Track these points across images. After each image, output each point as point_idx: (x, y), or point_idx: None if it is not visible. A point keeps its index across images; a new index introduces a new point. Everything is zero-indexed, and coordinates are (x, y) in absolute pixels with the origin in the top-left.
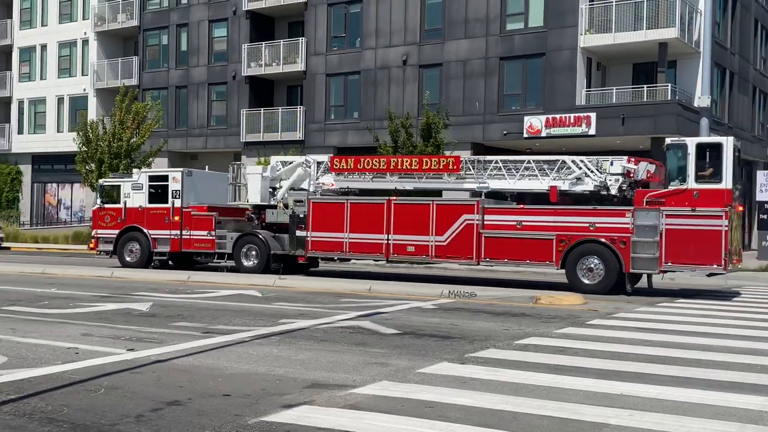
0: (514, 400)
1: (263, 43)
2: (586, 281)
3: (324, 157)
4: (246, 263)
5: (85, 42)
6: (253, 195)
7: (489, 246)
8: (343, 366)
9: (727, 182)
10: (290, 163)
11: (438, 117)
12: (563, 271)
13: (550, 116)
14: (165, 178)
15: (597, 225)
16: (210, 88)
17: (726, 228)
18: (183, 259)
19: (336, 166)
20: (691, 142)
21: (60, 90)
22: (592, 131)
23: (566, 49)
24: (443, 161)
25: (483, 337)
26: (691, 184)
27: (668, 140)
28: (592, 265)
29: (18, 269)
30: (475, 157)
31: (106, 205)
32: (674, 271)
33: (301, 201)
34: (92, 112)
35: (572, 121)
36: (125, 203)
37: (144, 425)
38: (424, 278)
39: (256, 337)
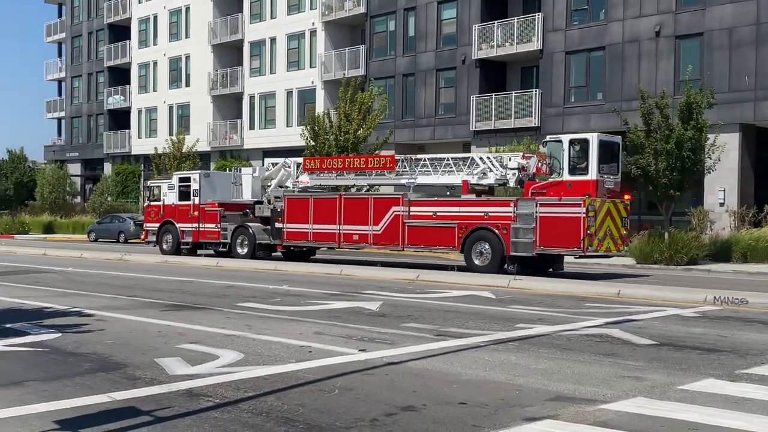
0: None
1: (495, 22)
2: (477, 262)
3: (301, 159)
4: (240, 251)
5: (313, 33)
6: (246, 193)
7: (411, 234)
8: (590, 378)
9: (593, 174)
10: (277, 165)
11: (700, 95)
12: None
13: None
14: (189, 179)
15: (490, 214)
16: (438, 74)
17: (584, 215)
18: (199, 248)
19: (307, 166)
20: (565, 138)
21: (289, 83)
22: None
23: None
24: (382, 160)
25: (757, 351)
26: (566, 176)
27: (547, 137)
28: (483, 249)
29: (252, 266)
30: (408, 156)
31: (152, 203)
32: (546, 254)
33: (279, 197)
34: (320, 105)
35: None
36: (163, 201)
37: (378, 430)
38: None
39: (491, 342)
